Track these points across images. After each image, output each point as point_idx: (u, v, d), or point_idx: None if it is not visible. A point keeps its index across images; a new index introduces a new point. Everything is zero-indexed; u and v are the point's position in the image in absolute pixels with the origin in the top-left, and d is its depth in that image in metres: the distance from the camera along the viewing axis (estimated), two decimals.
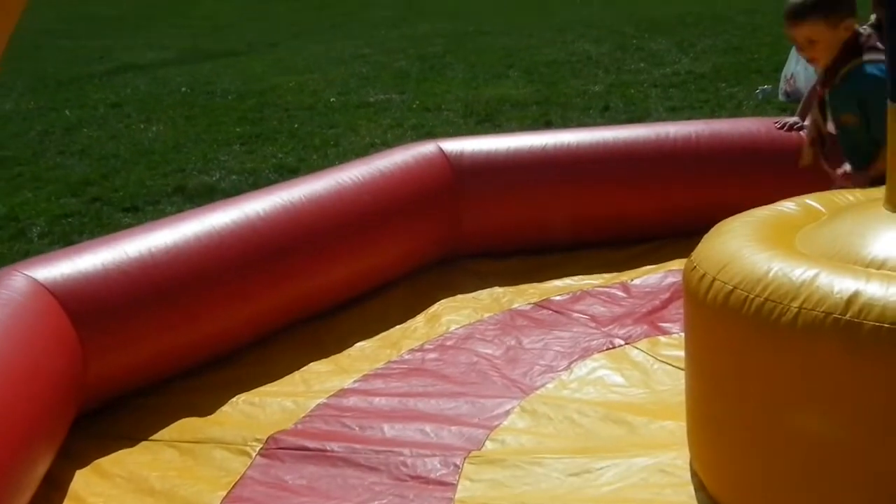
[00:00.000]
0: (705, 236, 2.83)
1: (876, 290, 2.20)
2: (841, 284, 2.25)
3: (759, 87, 8.32)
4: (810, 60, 3.80)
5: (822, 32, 3.56)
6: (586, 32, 13.31)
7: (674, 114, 7.89)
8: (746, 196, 3.77)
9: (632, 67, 10.32)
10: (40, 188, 6.99)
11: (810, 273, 2.32)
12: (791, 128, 4.94)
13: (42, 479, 3.02)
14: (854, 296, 2.20)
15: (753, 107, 7.91)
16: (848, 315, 2.18)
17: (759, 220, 2.81)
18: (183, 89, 11.21)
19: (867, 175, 3.65)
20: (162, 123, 9.25)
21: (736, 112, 7.77)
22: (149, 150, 8.09)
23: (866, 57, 3.61)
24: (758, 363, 2.40)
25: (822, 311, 2.21)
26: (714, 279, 2.48)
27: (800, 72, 7.64)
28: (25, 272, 3.43)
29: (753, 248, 2.54)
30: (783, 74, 7.92)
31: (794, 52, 7.84)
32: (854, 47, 3.65)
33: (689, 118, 7.34)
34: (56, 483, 3.13)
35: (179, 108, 10.04)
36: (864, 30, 3.73)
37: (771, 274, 2.36)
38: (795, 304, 2.26)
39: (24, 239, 5.83)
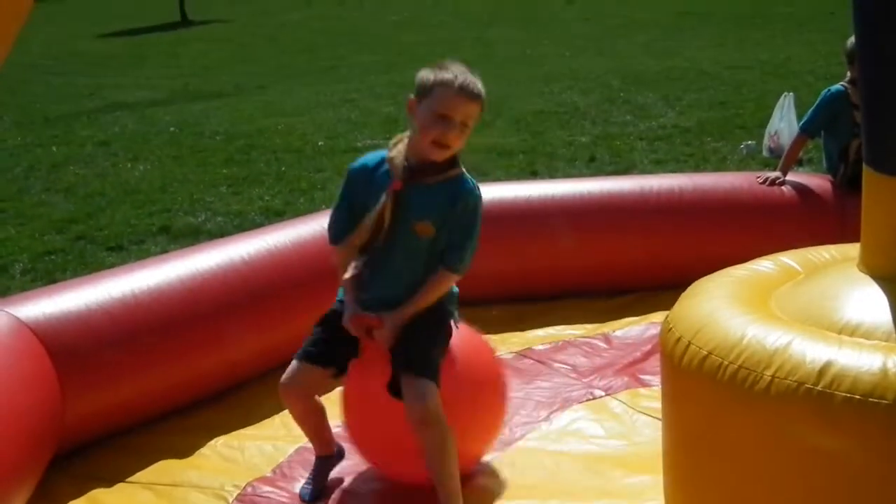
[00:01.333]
0: (682, 295, 2.85)
1: (848, 360, 2.23)
2: (814, 353, 2.27)
3: (744, 143, 8.41)
4: (446, 146, 2.93)
5: (475, 121, 3.01)
6: (574, 84, 13.44)
7: (659, 166, 7.96)
8: (728, 250, 3.84)
9: (618, 120, 10.41)
10: (24, 225, 6.98)
11: (784, 340, 2.34)
12: (773, 182, 5.01)
13: None
14: (826, 366, 2.23)
15: (737, 161, 7.99)
16: (820, 385, 2.21)
17: (736, 280, 2.83)
18: (171, 129, 11.25)
19: (400, 317, 2.99)
20: (149, 163, 9.26)
21: (720, 166, 7.84)
22: (135, 189, 8.10)
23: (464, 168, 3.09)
24: (732, 428, 2.42)
25: (795, 381, 2.24)
26: (689, 343, 2.50)
27: (784, 128, 7.73)
28: (6, 309, 3.42)
29: (729, 312, 2.56)
30: (767, 130, 8.01)
31: (777, 109, 7.95)
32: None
33: (673, 171, 7.41)
34: None
35: (167, 147, 10.06)
36: None
37: (745, 340, 2.39)
38: (769, 372, 2.28)
39: (6, 275, 5.81)
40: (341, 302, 3.10)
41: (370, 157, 3.14)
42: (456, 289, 3.20)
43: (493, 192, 4.97)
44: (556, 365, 4.13)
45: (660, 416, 3.13)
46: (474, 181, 3.09)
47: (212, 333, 3.85)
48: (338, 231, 3.11)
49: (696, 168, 7.79)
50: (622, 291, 4.88)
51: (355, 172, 3.12)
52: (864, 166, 2.62)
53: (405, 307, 3.00)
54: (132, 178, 8.61)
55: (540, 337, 4.47)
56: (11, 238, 6.63)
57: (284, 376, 3.13)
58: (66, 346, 3.43)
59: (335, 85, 14.99)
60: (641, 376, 3.94)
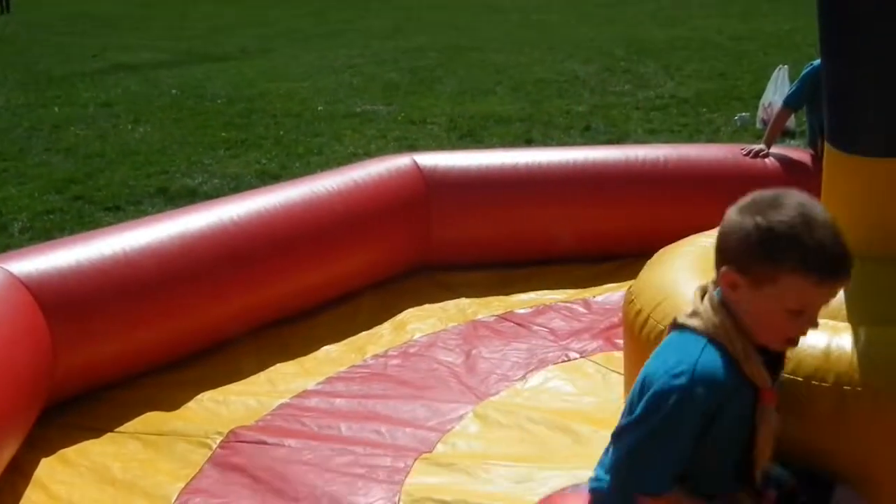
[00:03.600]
0: (647, 263, 2.94)
1: None
2: None
3: (738, 114, 8.49)
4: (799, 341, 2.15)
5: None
6: (577, 53, 13.48)
7: (653, 136, 8.04)
8: (711, 219, 3.89)
9: (617, 89, 10.48)
10: (24, 184, 7.10)
11: None
12: (757, 154, 5.09)
13: (6, 465, 3.11)
14: None
15: (731, 133, 8.07)
16: None
17: (700, 251, 2.90)
18: (173, 91, 11.34)
19: None
20: (150, 125, 9.37)
21: (713, 137, 7.92)
22: (135, 150, 8.21)
23: None
24: None
25: None
26: (649, 317, 2.60)
27: (777, 101, 7.77)
28: (1, 265, 3.54)
29: (689, 286, 2.63)
30: (761, 102, 8.07)
31: (771, 82, 8.00)
32: None
33: (667, 141, 7.49)
34: (21, 470, 3.24)
35: (168, 110, 10.16)
36: None
37: None
38: None
39: (6, 234, 5.94)
40: None
41: (709, 366, 2.06)
42: None
43: (480, 159, 5.08)
44: (535, 328, 4.25)
45: None
46: None
47: (200, 292, 3.96)
48: (666, 479, 2.10)
49: (690, 139, 7.87)
50: (606, 258, 4.98)
51: (709, 395, 2.03)
52: (826, 144, 2.70)
53: None
54: (132, 139, 8.72)
55: (523, 301, 4.58)
56: (12, 197, 6.75)
57: None
58: (57, 301, 3.54)
59: (340, 49, 15.04)
60: (617, 340, 4.03)
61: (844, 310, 2.44)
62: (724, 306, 2.11)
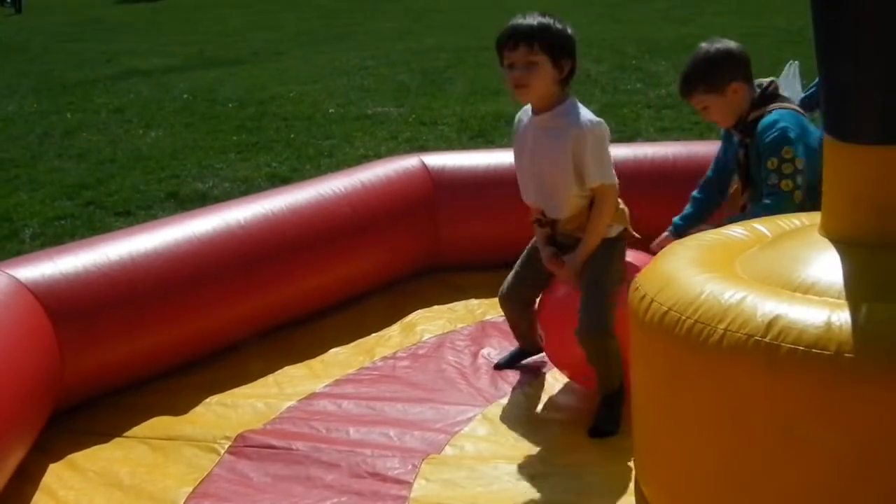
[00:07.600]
0: (653, 258, 2.94)
1: (796, 314, 2.30)
2: (764, 308, 2.35)
3: None
4: (717, 122, 3.87)
5: (711, 100, 3.73)
6: (587, 51, 13.40)
7: (664, 135, 7.97)
8: (717, 215, 3.91)
9: (628, 87, 10.42)
10: (36, 190, 7.12)
11: (738, 296, 2.42)
12: None
13: (14, 471, 3.12)
14: (775, 319, 2.30)
15: None
16: (768, 337, 2.29)
17: (706, 244, 2.91)
18: (185, 96, 11.36)
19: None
20: (161, 129, 9.39)
21: None
22: (146, 155, 8.23)
23: (771, 107, 3.71)
24: (687, 380, 2.51)
25: (745, 333, 2.32)
26: (652, 300, 2.60)
27: (789, 96, 7.71)
28: (7, 271, 3.54)
29: (692, 271, 2.65)
30: None
31: (783, 76, 7.93)
32: (760, 102, 3.76)
33: (678, 140, 7.42)
34: (29, 476, 3.25)
35: (180, 114, 10.18)
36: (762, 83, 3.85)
37: (703, 296, 2.47)
38: (722, 325, 2.37)
39: (17, 240, 5.95)
40: None
41: None
42: None
43: (488, 159, 5.05)
44: None
45: None
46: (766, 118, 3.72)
47: (207, 296, 3.96)
48: None
49: (701, 136, 7.78)
50: None
51: None
52: (825, 134, 2.69)
53: None
54: (144, 144, 8.74)
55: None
56: (23, 203, 6.77)
57: None
58: (64, 306, 3.54)
59: (351, 52, 15.03)
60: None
61: (844, 293, 2.43)
62: None
